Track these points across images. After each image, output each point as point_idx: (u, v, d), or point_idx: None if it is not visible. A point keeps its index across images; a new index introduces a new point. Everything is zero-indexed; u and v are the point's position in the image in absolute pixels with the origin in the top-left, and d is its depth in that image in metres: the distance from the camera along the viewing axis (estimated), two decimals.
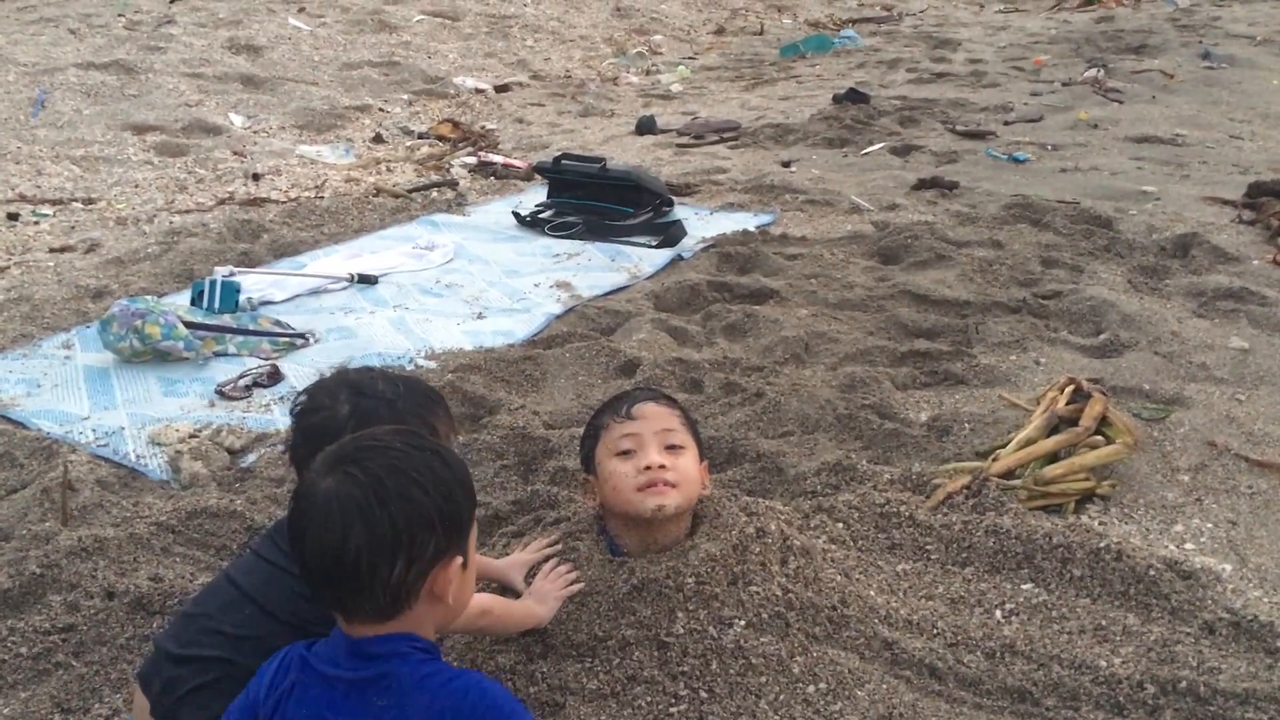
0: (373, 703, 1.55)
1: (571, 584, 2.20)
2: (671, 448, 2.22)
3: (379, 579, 1.52)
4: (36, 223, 5.49)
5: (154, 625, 2.40)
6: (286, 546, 1.88)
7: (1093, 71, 9.07)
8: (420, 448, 1.60)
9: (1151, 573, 2.41)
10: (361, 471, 1.53)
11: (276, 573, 1.90)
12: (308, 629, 1.79)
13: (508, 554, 2.49)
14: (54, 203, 5.80)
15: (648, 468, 2.17)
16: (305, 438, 1.93)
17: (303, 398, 2.00)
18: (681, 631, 2.10)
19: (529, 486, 2.94)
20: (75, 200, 5.87)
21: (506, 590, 2.32)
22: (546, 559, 2.31)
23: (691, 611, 2.12)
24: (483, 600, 2.09)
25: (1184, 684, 2.11)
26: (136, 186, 6.20)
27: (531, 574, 2.30)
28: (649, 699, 2.05)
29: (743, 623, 2.14)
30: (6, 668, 2.29)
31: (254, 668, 1.76)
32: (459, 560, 1.60)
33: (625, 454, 2.21)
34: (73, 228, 5.48)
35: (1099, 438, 2.91)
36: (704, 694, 2.05)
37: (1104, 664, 2.18)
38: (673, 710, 2.04)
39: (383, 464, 1.54)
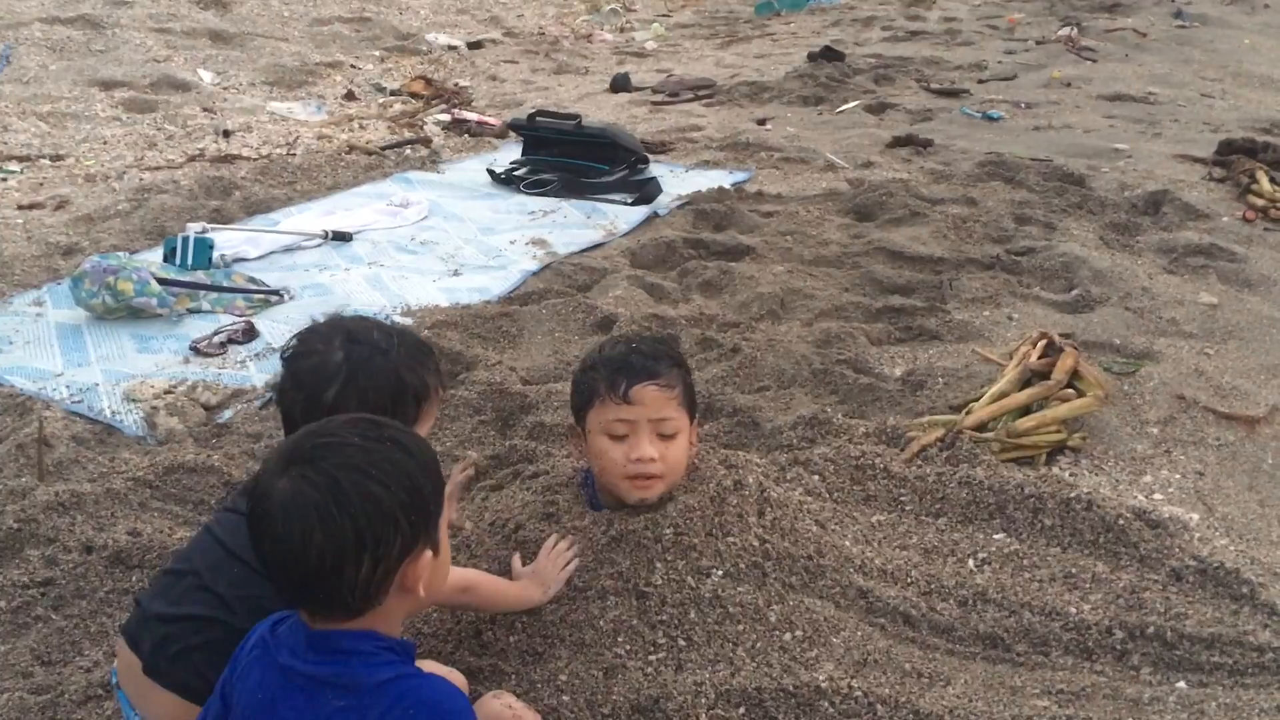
0: (329, 702, 1.46)
1: (570, 562, 2.16)
2: (664, 436, 2.18)
3: (344, 581, 1.43)
4: (4, 179, 5.41)
5: (133, 579, 2.40)
6: None
7: (1066, 30, 9.08)
8: (379, 439, 1.48)
9: (1120, 522, 2.45)
10: (316, 472, 1.42)
11: None
12: None
13: (485, 507, 2.50)
14: (21, 159, 5.71)
15: (638, 459, 2.16)
16: (296, 382, 1.88)
17: (294, 341, 1.94)
18: (660, 581, 2.12)
19: (507, 441, 2.95)
20: (43, 157, 5.78)
21: None
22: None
23: (670, 562, 2.14)
24: (467, 576, 2.05)
25: (1151, 629, 2.16)
26: (105, 143, 6.12)
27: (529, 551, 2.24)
28: (628, 647, 2.07)
29: (720, 572, 2.16)
30: None
31: (247, 628, 1.71)
32: (428, 553, 1.51)
33: (618, 438, 2.18)
34: (41, 184, 5.40)
35: (1070, 391, 2.95)
36: (682, 642, 2.08)
37: (1073, 610, 2.22)
38: (651, 658, 2.06)
39: (338, 462, 1.43)
